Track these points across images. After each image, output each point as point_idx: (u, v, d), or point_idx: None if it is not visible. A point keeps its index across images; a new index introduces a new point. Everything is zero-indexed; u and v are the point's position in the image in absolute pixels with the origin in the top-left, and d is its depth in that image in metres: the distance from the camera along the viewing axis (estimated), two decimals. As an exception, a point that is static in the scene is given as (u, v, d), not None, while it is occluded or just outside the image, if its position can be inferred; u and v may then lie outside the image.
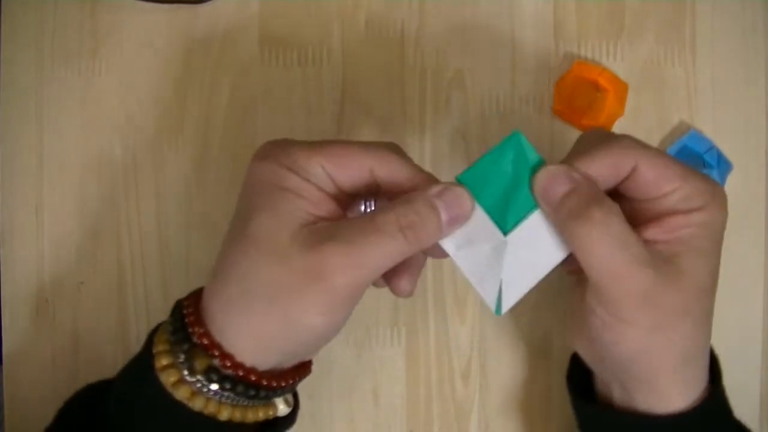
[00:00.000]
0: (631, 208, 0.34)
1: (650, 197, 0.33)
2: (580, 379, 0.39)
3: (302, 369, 0.36)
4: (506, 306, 0.34)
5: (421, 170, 0.34)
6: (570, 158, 0.34)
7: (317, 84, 0.47)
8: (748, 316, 0.46)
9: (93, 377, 0.38)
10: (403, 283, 0.36)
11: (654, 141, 0.46)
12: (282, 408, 0.36)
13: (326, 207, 0.33)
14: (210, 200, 0.47)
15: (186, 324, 0.33)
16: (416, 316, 0.46)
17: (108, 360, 0.46)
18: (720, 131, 0.46)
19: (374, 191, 0.35)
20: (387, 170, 0.33)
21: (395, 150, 0.34)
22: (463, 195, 0.33)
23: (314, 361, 0.47)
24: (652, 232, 0.33)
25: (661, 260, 0.32)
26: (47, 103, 0.47)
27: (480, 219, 0.34)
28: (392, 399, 0.46)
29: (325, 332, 0.33)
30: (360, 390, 0.47)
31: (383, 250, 0.31)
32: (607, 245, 0.31)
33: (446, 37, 0.47)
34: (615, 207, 0.32)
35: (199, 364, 0.32)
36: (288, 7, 0.47)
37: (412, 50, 0.47)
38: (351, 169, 0.33)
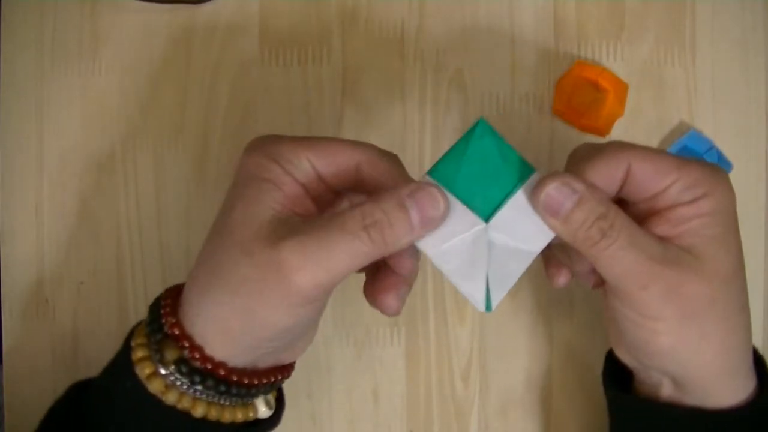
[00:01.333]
0: (637, 211, 0.34)
1: (651, 194, 0.33)
2: (616, 377, 0.38)
3: (280, 370, 0.35)
4: (496, 301, 0.33)
5: (407, 175, 0.33)
6: (569, 169, 0.33)
7: (317, 84, 0.47)
8: (748, 316, 0.46)
9: (93, 377, 0.38)
10: (389, 299, 0.34)
11: (654, 141, 0.46)
12: (263, 410, 0.35)
13: (302, 204, 0.33)
14: (210, 200, 0.47)
15: (160, 315, 0.33)
16: (416, 316, 0.46)
17: (108, 359, 0.46)
18: (720, 131, 0.46)
19: (361, 189, 0.34)
20: (374, 168, 0.33)
21: (384, 150, 0.34)
22: (436, 195, 0.31)
23: (314, 361, 0.47)
24: (662, 229, 0.33)
25: (678, 253, 0.32)
26: (47, 103, 0.47)
27: (457, 210, 0.32)
28: (392, 399, 0.46)
29: (290, 330, 0.32)
30: (360, 390, 0.47)
31: (345, 249, 0.30)
32: (618, 249, 0.31)
33: (446, 37, 0.47)
34: (619, 209, 0.32)
35: (170, 354, 0.32)
36: (288, 7, 0.47)
37: (412, 50, 0.47)
38: (338, 164, 0.33)
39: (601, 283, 0.35)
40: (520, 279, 0.44)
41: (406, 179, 0.33)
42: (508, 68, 0.46)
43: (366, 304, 0.46)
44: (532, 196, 0.32)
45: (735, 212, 0.33)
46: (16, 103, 0.47)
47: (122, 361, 0.34)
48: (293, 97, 0.47)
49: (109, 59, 0.47)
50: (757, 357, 0.36)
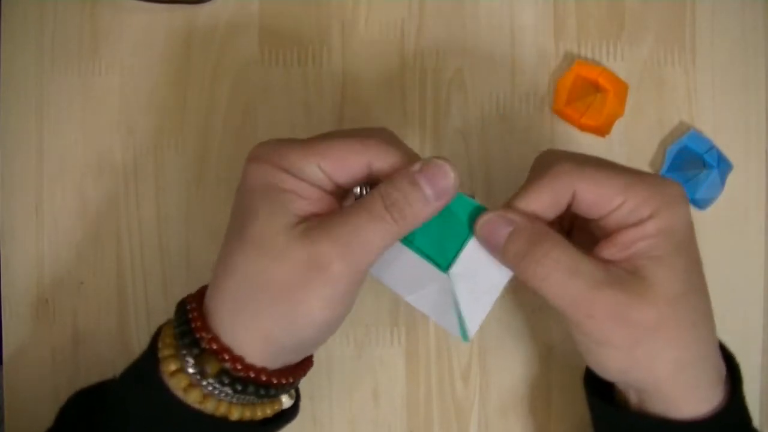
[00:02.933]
0: (593, 229, 0.35)
1: (599, 216, 0.33)
2: (599, 380, 0.39)
3: (306, 364, 0.37)
4: (472, 333, 0.35)
5: (416, 156, 0.34)
6: (513, 197, 0.34)
7: (317, 84, 0.47)
8: (748, 316, 0.46)
9: (93, 377, 0.38)
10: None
11: (654, 141, 0.46)
12: (285, 401, 0.36)
13: (323, 203, 0.33)
14: (210, 200, 0.47)
15: (192, 329, 0.33)
16: (416, 316, 0.46)
17: (108, 360, 0.46)
18: (720, 131, 0.46)
19: (375, 181, 0.34)
20: (384, 163, 0.33)
21: (390, 139, 0.34)
22: (443, 166, 0.32)
23: (314, 361, 0.47)
24: (609, 252, 0.33)
25: (624, 277, 0.32)
26: (47, 103, 0.47)
27: (418, 264, 0.34)
28: (392, 399, 0.46)
29: (330, 325, 0.33)
30: (360, 390, 0.47)
31: (373, 231, 0.31)
32: (558, 278, 0.32)
33: (446, 37, 0.47)
34: (558, 238, 0.32)
35: (211, 368, 0.32)
36: (288, 7, 0.47)
37: (412, 50, 0.47)
38: (348, 167, 0.33)
39: None
40: (521, 280, 0.45)
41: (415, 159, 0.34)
42: (508, 68, 0.46)
43: (366, 303, 0.46)
44: (474, 231, 0.34)
45: (687, 229, 0.33)
46: (16, 103, 0.47)
47: (149, 371, 0.34)
48: (293, 97, 0.47)
49: (109, 59, 0.47)
50: (731, 364, 0.36)
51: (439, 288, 0.34)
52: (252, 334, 0.32)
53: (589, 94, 0.45)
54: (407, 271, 0.35)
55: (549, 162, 0.34)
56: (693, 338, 0.33)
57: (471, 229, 0.34)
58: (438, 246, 0.34)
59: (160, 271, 0.47)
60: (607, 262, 0.33)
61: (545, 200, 0.33)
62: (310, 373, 0.46)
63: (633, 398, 0.36)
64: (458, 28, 0.47)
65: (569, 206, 0.34)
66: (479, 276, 0.34)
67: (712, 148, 0.45)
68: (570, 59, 0.46)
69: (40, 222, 0.47)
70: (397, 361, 0.46)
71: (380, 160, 0.33)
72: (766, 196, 0.46)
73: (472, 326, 0.35)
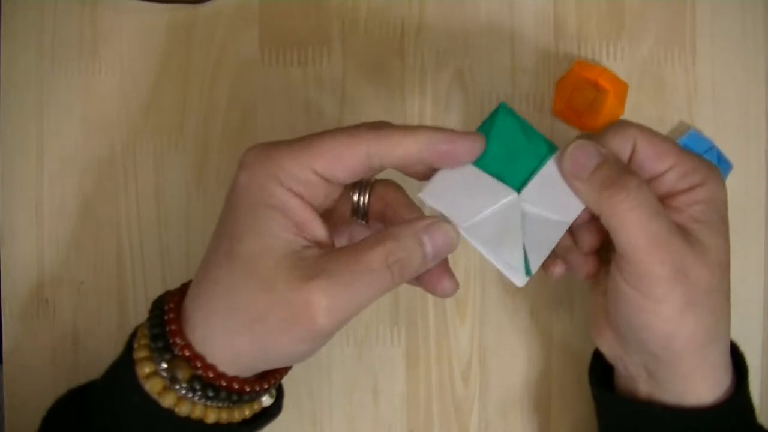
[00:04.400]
0: None
1: (650, 175, 0.34)
2: (601, 375, 0.39)
3: (281, 370, 0.36)
4: (535, 267, 0.33)
5: (417, 134, 0.32)
6: (582, 137, 0.34)
7: (317, 84, 0.47)
8: (748, 316, 0.46)
9: (92, 376, 0.38)
10: (445, 283, 0.35)
11: (654, 141, 0.46)
12: (266, 400, 0.36)
13: (313, 229, 0.32)
14: (210, 200, 0.47)
15: (167, 332, 0.32)
16: (416, 316, 0.46)
17: (108, 360, 0.46)
18: (720, 131, 0.46)
19: (371, 173, 0.34)
20: (382, 149, 0.31)
21: (384, 124, 0.33)
22: (449, 230, 0.32)
23: (314, 361, 0.47)
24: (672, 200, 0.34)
25: (688, 235, 0.33)
26: (47, 103, 0.47)
27: (487, 184, 0.33)
28: (392, 399, 0.46)
29: (303, 356, 0.32)
30: (360, 390, 0.47)
31: (370, 288, 0.31)
32: (643, 213, 0.31)
33: (446, 37, 0.47)
34: (645, 182, 0.32)
35: (182, 374, 0.32)
36: (288, 7, 0.47)
37: (412, 50, 0.47)
38: (345, 162, 0.31)
39: (593, 272, 0.36)
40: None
41: (420, 145, 0.32)
42: (508, 68, 0.46)
43: (366, 304, 0.46)
44: (559, 160, 0.33)
45: (726, 207, 0.34)
46: (16, 103, 0.47)
47: (125, 374, 0.33)
48: (293, 97, 0.47)
49: (109, 59, 0.47)
50: (735, 351, 0.37)
51: (505, 211, 0.33)
52: (225, 349, 0.32)
53: (589, 94, 0.45)
54: (469, 191, 0.33)
55: (602, 130, 0.35)
56: (726, 312, 0.34)
57: (544, 158, 0.33)
58: (508, 170, 0.33)
59: (160, 270, 0.47)
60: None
61: (614, 147, 0.33)
62: (311, 372, 0.46)
63: (643, 387, 0.36)
64: (458, 28, 0.47)
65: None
66: (547, 207, 0.33)
67: (712, 148, 0.45)
68: (570, 59, 0.46)
69: (40, 222, 0.47)
70: (397, 361, 0.46)
71: (376, 146, 0.31)
72: (766, 196, 0.46)
73: (535, 261, 0.33)
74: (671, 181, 0.34)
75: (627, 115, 0.46)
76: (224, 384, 0.32)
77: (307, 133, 0.34)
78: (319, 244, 0.32)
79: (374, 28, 0.47)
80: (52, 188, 0.47)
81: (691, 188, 0.33)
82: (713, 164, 0.35)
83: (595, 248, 0.36)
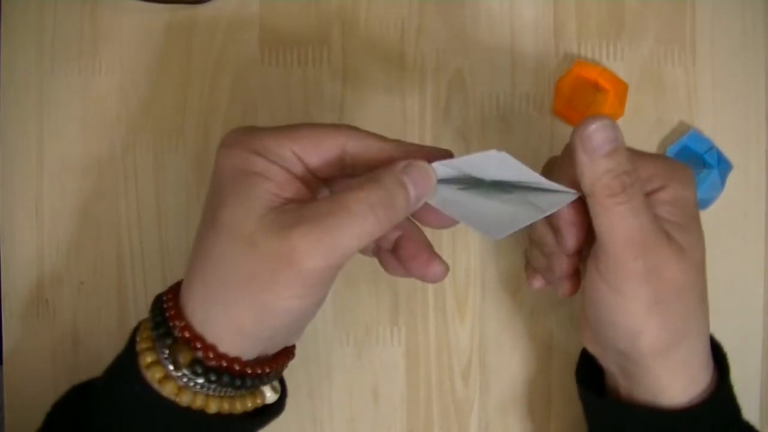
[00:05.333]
0: None
1: None
2: (592, 373, 0.39)
3: (285, 354, 0.36)
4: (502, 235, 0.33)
5: (389, 139, 0.34)
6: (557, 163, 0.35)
7: (317, 84, 0.47)
8: (748, 316, 0.46)
9: (92, 376, 0.38)
10: (435, 267, 0.35)
11: (654, 141, 0.46)
12: (270, 395, 0.36)
13: (294, 188, 0.32)
14: (210, 200, 0.47)
15: (167, 318, 0.33)
16: (416, 316, 0.46)
17: (108, 360, 0.46)
18: (720, 131, 0.46)
19: (345, 173, 0.34)
20: (359, 144, 0.32)
21: (367, 132, 0.34)
22: (427, 169, 0.32)
23: (314, 361, 0.47)
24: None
25: (669, 235, 0.33)
26: (47, 103, 0.47)
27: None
28: (392, 399, 0.46)
29: (302, 314, 0.32)
30: (360, 390, 0.47)
31: (355, 230, 0.30)
32: (630, 208, 0.32)
33: (446, 37, 0.47)
34: (639, 179, 0.33)
35: (183, 358, 0.32)
36: (288, 7, 0.47)
37: (412, 50, 0.47)
38: (322, 149, 0.32)
39: (571, 290, 0.37)
40: (521, 280, 0.45)
41: (394, 145, 0.33)
42: (508, 68, 0.46)
43: (366, 303, 0.46)
44: (577, 130, 0.32)
45: (695, 207, 0.34)
46: (16, 103, 0.47)
47: (128, 366, 0.33)
48: (293, 97, 0.47)
49: (109, 59, 0.47)
50: (719, 354, 0.37)
51: (486, 157, 0.32)
52: (222, 323, 0.32)
53: (589, 94, 0.45)
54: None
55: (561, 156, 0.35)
56: (701, 310, 0.34)
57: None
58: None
59: (160, 270, 0.47)
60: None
61: (564, 173, 0.34)
62: (310, 372, 0.46)
63: (622, 385, 0.36)
64: (458, 28, 0.47)
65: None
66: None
67: (712, 148, 0.45)
68: (570, 59, 0.46)
69: (40, 222, 0.47)
70: (397, 361, 0.46)
71: (354, 140, 0.32)
72: (766, 196, 0.46)
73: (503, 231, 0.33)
74: None
75: (627, 115, 0.46)
76: (225, 365, 0.32)
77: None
78: (302, 200, 0.32)
79: (374, 28, 0.47)
80: (52, 188, 0.47)
81: (652, 192, 0.33)
82: (678, 164, 0.34)
83: (576, 250, 0.36)
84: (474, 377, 0.46)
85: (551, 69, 0.46)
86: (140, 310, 0.47)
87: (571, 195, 0.33)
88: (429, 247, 0.35)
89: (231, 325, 0.32)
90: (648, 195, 0.33)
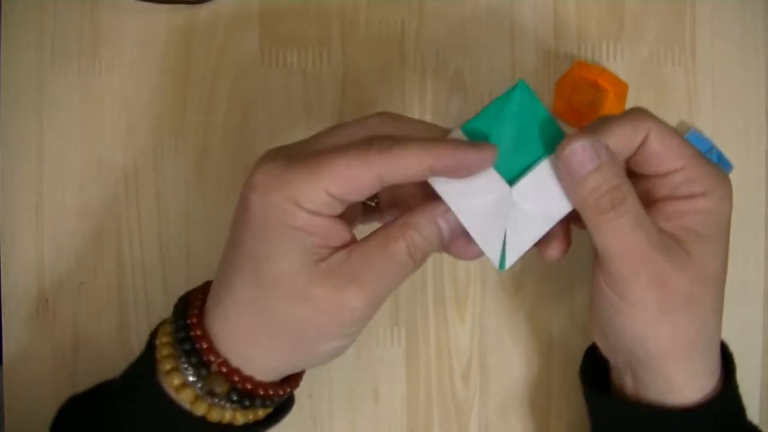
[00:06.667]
0: (636, 187, 0.33)
1: (655, 173, 0.33)
2: (595, 372, 0.39)
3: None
4: (510, 262, 0.33)
5: (429, 150, 0.31)
6: (592, 127, 0.33)
7: (317, 84, 0.47)
8: (748, 316, 0.46)
9: (93, 377, 0.38)
10: (470, 248, 0.34)
11: (654, 141, 0.46)
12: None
13: (338, 235, 0.32)
14: (210, 200, 0.47)
15: (199, 349, 0.33)
16: (416, 316, 0.46)
17: (108, 360, 0.46)
18: (720, 131, 0.46)
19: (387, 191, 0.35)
20: (396, 172, 0.31)
21: (389, 123, 0.33)
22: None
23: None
24: (656, 218, 0.33)
25: (672, 245, 0.32)
26: (47, 103, 0.47)
27: (485, 172, 0.32)
28: (392, 399, 0.46)
29: (344, 350, 0.34)
30: (360, 390, 0.47)
31: (399, 277, 0.32)
32: (625, 224, 0.31)
33: (446, 37, 0.47)
34: (633, 188, 0.32)
35: (220, 388, 0.33)
36: (288, 7, 0.47)
37: (412, 50, 0.47)
38: (357, 187, 0.31)
39: (558, 252, 0.35)
40: (521, 280, 0.45)
41: (432, 159, 0.31)
42: (508, 68, 0.46)
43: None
44: (557, 150, 0.32)
45: (729, 221, 0.34)
46: (16, 103, 0.47)
47: (149, 383, 0.34)
48: (293, 97, 0.47)
49: (109, 59, 0.47)
50: (725, 354, 0.37)
51: (496, 200, 0.33)
52: (266, 362, 0.33)
53: (589, 94, 0.45)
54: (469, 177, 0.32)
55: (623, 112, 0.34)
56: (712, 322, 0.34)
57: (546, 149, 0.33)
58: (507, 157, 0.33)
59: (160, 271, 0.47)
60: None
61: (624, 136, 0.32)
62: (311, 372, 0.46)
63: (629, 384, 0.36)
64: (458, 28, 0.47)
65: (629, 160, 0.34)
66: (539, 202, 0.33)
67: (712, 148, 0.45)
68: (570, 59, 0.46)
69: (40, 222, 0.47)
70: (397, 361, 0.46)
71: (389, 168, 0.31)
72: (766, 196, 0.46)
73: (512, 257, 0.33)
74: (674, 184, 0.33)
75: (627, 115, 0.46)
76: (261, 392, 0.33)
77: (306, 133, 0.34)
78: (345, 244, 0.32)
79: (374, 28, 0.47)
80: (52, 188, 0.47)
81: (692, 196, 0.33)
82: (725, 177, 0.34)
83: (558, 258, 0.36)
84: (474, 377, 0.46)
85: (551, 69, 0.46)
86: (140, 310, 0.47)
87: None
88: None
89: (276, 362, 0.33)
90: (685, 199, 0.33)
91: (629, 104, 0.45)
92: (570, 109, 0.45)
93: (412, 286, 0.46)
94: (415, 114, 0.47)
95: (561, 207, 0.33)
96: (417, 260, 0.32)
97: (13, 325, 0.47)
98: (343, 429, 0.47)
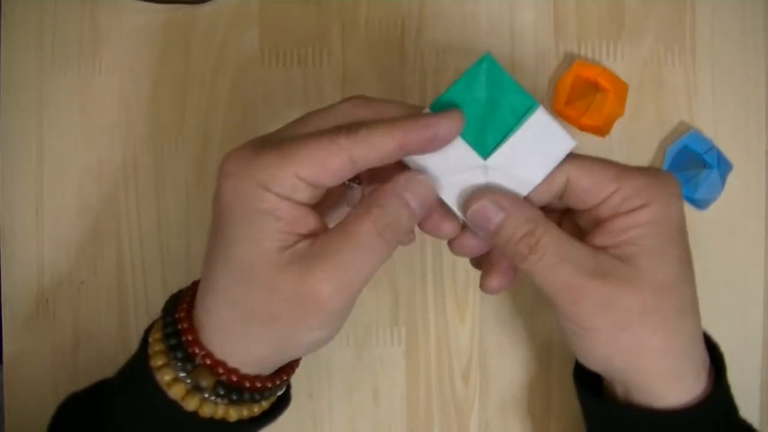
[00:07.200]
0: (584, 219, 0.35)
1: (591, 205, 0.33)
2: (589, 375, 0.39)
3: (297, 359, 0.37)
4: None
5: (396, 125, 0.31)
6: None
7: (317, 84, 0.47)
8: (748, 316, 0.46)
9: (93, 377, 0.38)
10: (446, 226, 0.35)
11: (654, 141, 0.46)
12: (279, 391, 0.36)
13: (304, 221, 0.32)
14: (210, 200, 0.46)
15: (184, 343, 0.33)
16: (416, 316, 0.46)
17: (108, 360, 0.46)
18: (720, 131, 0.46)
19: (358, 174, 0.34)
20: (366, 150, 0.31)
21: (361, 106, 0.33)
22: (426, 180, 0.33)
23: (314, 361, 0.47)
24: (600, 239, 0.33)
25: (613, 264, 0.32)
26: (47, 103, 0.47)
27: (457, 146, 0.33)
28: (392, 399, 0.46)
29: (324, 341, 0.33)
30: (360, 390, 0.47)
31: (368, 261, 0.31)
32: (547, 264, 0.32)
33: (446, 37, 0.47)
34: (548, 224, 0.33)
35: (206, 382, 0.33)
36: (288, 7, 0.47)
37: (412, 50, 0.47)
38: (329, 168, 0.31)
39: (497, 286, 0.36)
40: (521, 280, 0.44)
41: (400, 136, 0.31)
42: (508, 68, 0.46)
43: (366, 303, 0.46)
44: (462, 208, 0.33)
45: (679, 221, 0.34)
46: (16, 103, 0.47)
47: (144, 380, 0.34)
48: (293, 97, 0.47)
49: (109, 59, 0.47)
50: (717, 354, 0.36)
51: (472, 175, 0.33)
52: (245, 353, 0.33)
53: (589, 94, 0.45)
54: (442, 152, 0.33)
55: None
56: (679, 328, 0.34)
57: (517, 120, 0.33)
58: (479, 132, 0.33)
59: (160, 271, 0.47)
60: (597, 249, 0.33)
61: (540, 185, 0.34)
62: (310, 372, 0.46)
63: (619, 389, 0.36)
64: (458, 28, 0.47)
65: (562, 197, 0.34)
66: (515, 170, 0.33)
67: (712, 148, 0.45)
68: (570, 59, 0.46)
69: (40, 222, 0.47)
70: (397, 361, 0.46)
71: (359, 148, 0.31)
72: (766, 196, 0.46)
73: None
74: (613, 205, 0.33)
75: (627, 115, 0.46)
76: (247, 385, 0.33)
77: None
78: (313, 233, 0.32)
79: (374, 28, 0.47)
80: (52, 188, 0.47)
81: (632, 210, 0.33)
82: (665, 178, 0.34)
83: (498, 290, 0.37)
84: (474, 377, 0.46)
85: (551, 69, 0.46)
86: (140, 310, 0.47)
87: (568, 142, 0.34)
88: (442, 208, 0.35)
89: (254, 354, 0.33)
90: (626, 214, 0.33)
91: (629, 104, 0.45)
92: (570, 109, 0.45)
93: (412, 287, 0.46)
94: (415, 114, 0.47)
95: (536, 172, 0.34)
96: (388, 239, 0.31)
97: (13, 324, 0.47)
98: (343, 428, 0.47)
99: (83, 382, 0.38)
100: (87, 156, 0.47)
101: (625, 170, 0.33)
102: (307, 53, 0.47)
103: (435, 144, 0.32)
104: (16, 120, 0.47)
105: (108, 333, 0.47)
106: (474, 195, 0.33)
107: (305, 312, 0.31)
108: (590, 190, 0.33)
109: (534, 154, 0.33)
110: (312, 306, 0.31)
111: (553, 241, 0.32)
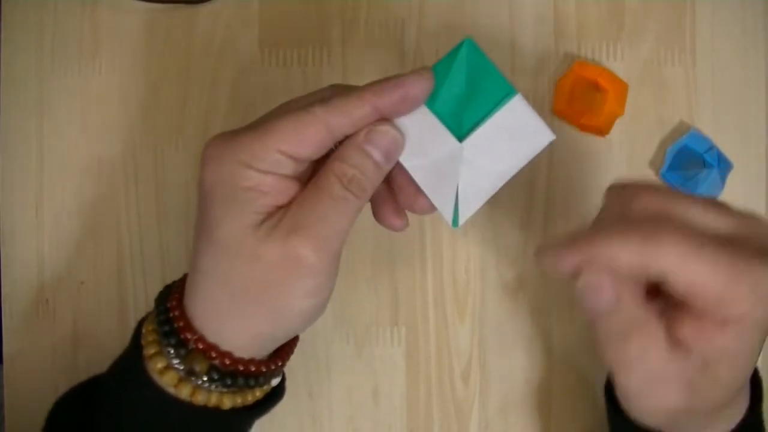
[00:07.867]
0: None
1: (683, 296, 0.29)
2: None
3: (292, 342, 0.37)
4: (463, 218, 0.34)
5: (368, 93, 0.32)
6: (596, 236, 0.29)
7: (317, 84, 0.47)
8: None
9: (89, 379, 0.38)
10: (422, 200, 0.35)
11: (654, 141, 0.46)
12: (273, 380, 0.36)
13: (289, 193, 0.32)
14: (210, 200, 0.47)
15: (177, 329, 0.33)
16: (416, 316, 0.46)
17: (108, 359, 0.46)
18: (720, 131, 0.46)
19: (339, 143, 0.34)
20: (341, 118, 0.32)
21: (338, 92, 0.33)
22: (389, 131, 0.33)
23: (314, 361, 0.47)
24: (683, 333, 0.29)
25: (693, 371, 0.29)
26: (47, 103, 0.47)
27: (434, 126, 0.33)
28: (392, 399, 0.46)
29: (317, 309, 0.33)
30: (360, 389, 0.47)
31: (342, 213, 0.32)
32: (635, 372, 0.30)
33: (446, 37, 0.47)
34: (649, 334, 0.29)
35: (199, 367, 0.32)
36: (288, 7, 0.47)
37: (412, 50, 0.47)
38: (308, 139, 0.32)
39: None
40: (521, 279, 0.45)
41: (372, 100, 0.32)
42: (508, 68, 0.46)
43: (366, 303, 0.46)
44: (580, 282, 0.30)
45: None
46: (16, 103, 0.47)
47: (136, 369, 0.34)
48: (293, 97, 0.47)
49: (109, 59, 0.47)
50: (756, 381, 0.35)
51: (447, 157, 0.33)
52: (240, 331, 0.33)
53: (589, 94, 0.45)
54: (418, 132, 0.33)
55: (627, 215, 0.30)
56: (736, 411, 0.33)
57: (495, 105, 0.33)
58: (457, 114, 0.33)
59: (160, 270, 0.47)
60: (679, 342, 0.29)
61: (634, 267, 0.28)
62: (310, 371, 0.47)
63: None
64: (458, 28, 0.47)
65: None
66: (491, 156, 0.33)
67: (712, 148, 0.45)
68: (570, 59, 0.46)
69: (40, 222, 0.47)
70: (397, 361, 0.46)
71: (335, 116, 0.32)
72: (766, 196, 0.46)
73: (465, 212, 0.34)
74: (707, 300, 0.28)
75: (627, 115, 0.46)
76: (242, 369, 0.33)
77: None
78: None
79: (374, 28, 0.47)
80: (52, 188, 0.47)
81: (724, 323, 0.28)
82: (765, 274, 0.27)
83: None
84: (474, 377, 0.46)
85: (551, 69, 0.46)
86: (140, 309, 0.47)
87: (547, 136, 0.33)
88: (415, 184, 0.35)
89: (248, 332, 0.33)
90: (721, 326, 0.28)
91: (629, 104, 0.45)
92: (570, 109, 0.45)
93: (412, 286, 0.46)
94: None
95: (512, 162, 0.33)
96: (356, 192, 0.32)
97: (13, 324, 0.47)
98: (343, 428, 0.47)
99: (83, 381, 0.38)
100: (87, 156, 0.47)
101: (738, 266, 0.27)
102: (307, 53, 0.47)
103: (407, 104, 0.32)
104: (16, 120, 0.47)
105: (108, 332, 0.47)
106: (587, 276, 0.29)
107: (290, 275, 0.31)
108: (689, 287, 0.28)
109: (510, 143, 0.33)
110: (295, 268, 0.31)
111: (647, 355, 0.29)
